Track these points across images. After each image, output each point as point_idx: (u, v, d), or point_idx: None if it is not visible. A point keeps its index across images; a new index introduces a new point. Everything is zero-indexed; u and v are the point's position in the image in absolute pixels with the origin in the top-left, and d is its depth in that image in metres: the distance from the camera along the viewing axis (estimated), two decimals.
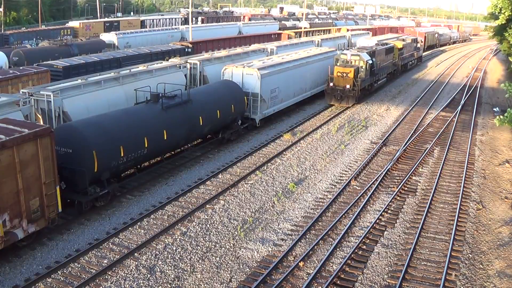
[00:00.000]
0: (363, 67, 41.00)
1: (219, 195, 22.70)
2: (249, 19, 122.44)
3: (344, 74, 39.50)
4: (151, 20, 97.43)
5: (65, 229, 19.04)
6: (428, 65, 72.72)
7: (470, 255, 18.14)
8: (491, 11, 39.13)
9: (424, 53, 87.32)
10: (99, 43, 59.45)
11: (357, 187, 23.92)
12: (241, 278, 16.25)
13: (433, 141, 31.18)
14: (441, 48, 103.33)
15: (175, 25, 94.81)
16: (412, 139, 31.22)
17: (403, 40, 61.47)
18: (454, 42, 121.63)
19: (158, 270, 16.52)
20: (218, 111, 27.36)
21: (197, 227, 19.45)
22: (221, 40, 62.36)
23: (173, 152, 26.55)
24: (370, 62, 42.20)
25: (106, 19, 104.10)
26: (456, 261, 17.59)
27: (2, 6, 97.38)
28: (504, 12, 31.68)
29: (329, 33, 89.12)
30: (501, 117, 25.20)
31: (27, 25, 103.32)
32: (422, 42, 72.81)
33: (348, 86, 39.44)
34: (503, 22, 33.96)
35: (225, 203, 21.77)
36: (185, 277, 16.25)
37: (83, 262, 16.94)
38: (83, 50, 52.72)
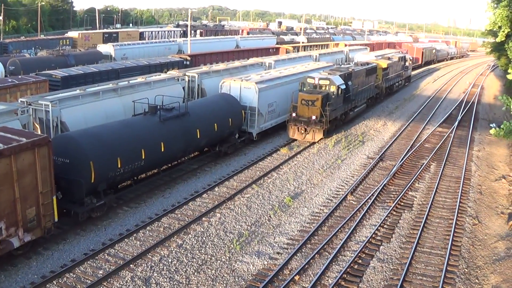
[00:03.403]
0: (334, 93, 34.19)
1: (216, 208, 22.68)
2: (248, 33, 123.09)
3: (310, 103, 32.91)
4: (149, 32, 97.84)
5: (61, 239, 19.00)
6: (425, 80, 73.10)
7: (466, 270, 18.14)
8: (490, 28, 39.30)
9: (421, 69, 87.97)
10: (96, 54, 59.60)
11: (353, 202, 23.94)
12: None
13: (430, 156, 31.27)
14: (439, 64, 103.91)
15: (173, 37, 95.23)
16: (408, 155, 31.29)
17: (389, 58, 55.09)
18: (451, 58, 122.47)
19: (154, 282, 16.47)
20: (215, 124, 27.43)
21: (193, 240, 19.42)
22: (220, 54, 62.62)
23: (170, 165, 26.54)
24: (343, 87, 35.70)
25: (105, 30, 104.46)
26: (452, 276, 17.59)
27: (2, 14, 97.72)
28: (504, 30, 31.89)
29: (327, 48, 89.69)
30: (497, 128, 25.32)
31: (26, 34, 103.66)
32: (411, 60, 66.43)
33: (314, 117, 32.86)
34: (503, 39, 34.14)
35: (221, 216, 21.76)
36: None
37: (78, 272, 16.89)
38: (79, 60, 52.87)
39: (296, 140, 34.39)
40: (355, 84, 38.95)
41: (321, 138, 33.90)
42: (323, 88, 34.12)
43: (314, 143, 33.66)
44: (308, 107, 32.99)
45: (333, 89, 34.14)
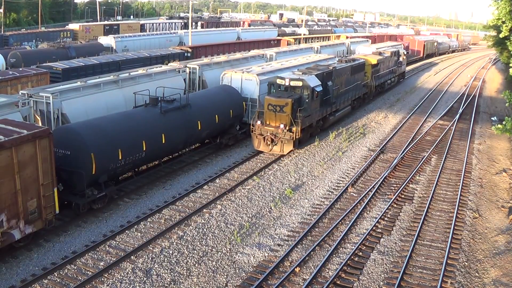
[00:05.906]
0: (308, 97, 29.05)
1: (216, 199, 22.72)
2: (249, 25, 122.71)
3: (278, 108, 27.78)
4: (150, 24, 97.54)
5: (62, 231, 19.05)
6: (426, 73, 72.94)
7: (466, 263, 18.17)
8: (493, 24, 39.15)
9: (422, 62, 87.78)
10: (97, 46, 59.42)
11: (354, 194, 23.96)
12: (237, 283, 16.24)
13: (431, 149, 31.25)
14: (440, 57, 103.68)
15: (174, 29, 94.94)
16: (409, 147, 31.27)
17: (380, 54, 49.50)
18: (453, 51, 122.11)
19: (154, 273, 16.52)
20: (216, 115, 27.42)
21: (193, 231, 19.46)
22: (221, 45, 62.45)
23: (171, 156, 26.56)
24: (320, 88, 30.31)
25: (106, 22, 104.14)
26: (452, 269, 17.62)
27: (2, 7, 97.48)
28: (508, 24, 31.82)
29: (328, 40, 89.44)
30: (500, 126, 25.30)
31: (27, 27, 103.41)
32: (405, 55, 60.54)
33: (282, 126, 27.90)
34: (506, 34, 34.06)
35: (222, 207, 21.78)
36: (181, 280, 16.25)
37: (79, 264, 16.94)
38: (80, 52, 52.72)
39: None
40: (336, 84, 34.19)
41: (291, 150, 29.26)
42: (296, 91, 29.10)
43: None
44: (275, 114, 27.96)
45: (306, 91, 29.13)
